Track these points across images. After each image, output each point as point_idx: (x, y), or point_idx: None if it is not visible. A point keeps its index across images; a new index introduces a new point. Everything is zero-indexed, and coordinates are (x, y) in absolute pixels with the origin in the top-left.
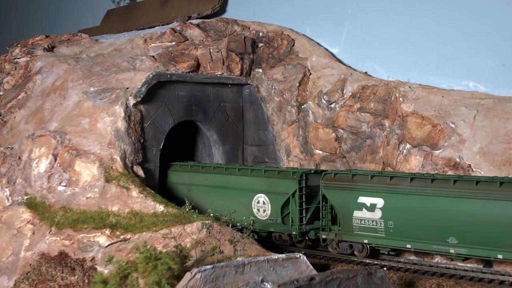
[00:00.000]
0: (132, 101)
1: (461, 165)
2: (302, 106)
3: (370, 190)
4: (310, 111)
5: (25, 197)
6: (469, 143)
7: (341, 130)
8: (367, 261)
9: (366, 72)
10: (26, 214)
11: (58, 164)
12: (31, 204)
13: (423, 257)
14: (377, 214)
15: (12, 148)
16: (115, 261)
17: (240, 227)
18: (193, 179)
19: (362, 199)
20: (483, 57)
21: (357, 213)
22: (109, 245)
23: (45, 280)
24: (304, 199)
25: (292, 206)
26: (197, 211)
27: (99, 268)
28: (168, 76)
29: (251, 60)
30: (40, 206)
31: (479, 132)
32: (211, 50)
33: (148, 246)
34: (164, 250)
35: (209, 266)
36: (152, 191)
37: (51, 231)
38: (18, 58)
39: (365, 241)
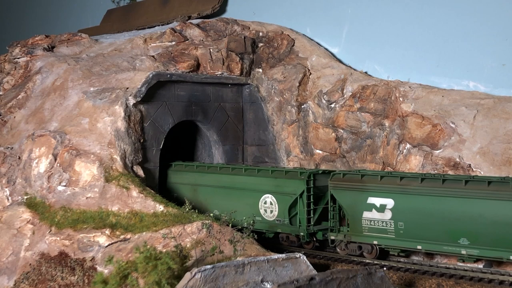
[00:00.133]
0: (132, 101)
1: (461, 165)
2: (302, 106)
3: (379, 191)
4: (310, 111)
5: (25, 197)
6: (469, 143)
7: (341, 130)
8: (367, 261)
9: (366, 72)
10: (26, 214)
11: (58, 164)
12: (31, 204)
13: (423, 257)
14: (387, 215)
15: (12, 148)
16: (115, 261)
17: (240, 227)
18: (198, 179)
19: (371, 200)
20: (483, 57)
21: (366, 214)
22: (109, 245)
23: (45, 280)
24: (312, 200)
25: (299, 207)
26: (196, 211)
27: (99, 268)
28: (168, 76)
29: (251, 60)
30: (40, 206)
31: (479, 132)
32: (211, 50)
33: (148, 246)
34: (164, 250)
35: (209, 266)
36: (152, 191)
37: (51, 231)
38: (18, 58)
39: (375, 242)
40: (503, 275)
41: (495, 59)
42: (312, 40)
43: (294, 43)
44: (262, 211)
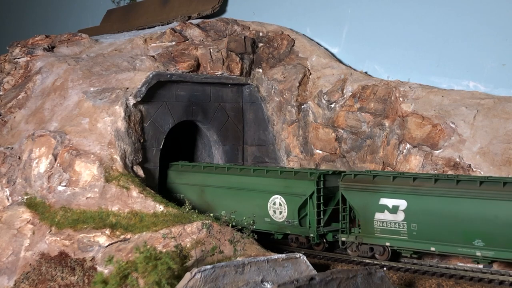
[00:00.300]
0: (132, 101)
1: (461, 165)
2: (302, 106)
3: (392, 192)
4: (310, 111)
5: (25, 197)
6: (469, 143)
7: (341, 130)
8: (366, 261)
9: (366, 72)
10: (26, 214)
11: (58, 164)
12: (31, 204)
13: (423, 256)
14: (400, 216)
15: (12, 148)
16: (115, 261)
17: (240, 227)
18: (206, 180)
19: (383, 201)
20: (483, 57)
21: (378, 215)
22: (109, 245)
23: (45, 280)
24: (322, 201)
25: (309, 208)
26: (197, 211)
27: (99, 268)
28: (168, 76)
29: (251, 60)
30: (40, 206)
31: (479, 132)
32: (211, 50)
33: (148, 246)
34: (164, 250)
35: (209, 266)
36: (152, 191)
37: (51, 231)
38: (18, 58)
39: (387, 243)
40: (503, 275)
41: (495, 59)
42: (312, 40)
43: (294, 43)
44: (271, 212)
